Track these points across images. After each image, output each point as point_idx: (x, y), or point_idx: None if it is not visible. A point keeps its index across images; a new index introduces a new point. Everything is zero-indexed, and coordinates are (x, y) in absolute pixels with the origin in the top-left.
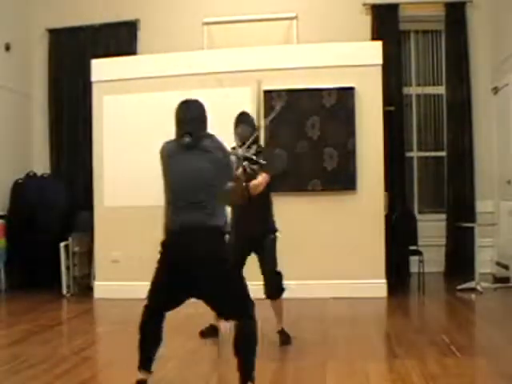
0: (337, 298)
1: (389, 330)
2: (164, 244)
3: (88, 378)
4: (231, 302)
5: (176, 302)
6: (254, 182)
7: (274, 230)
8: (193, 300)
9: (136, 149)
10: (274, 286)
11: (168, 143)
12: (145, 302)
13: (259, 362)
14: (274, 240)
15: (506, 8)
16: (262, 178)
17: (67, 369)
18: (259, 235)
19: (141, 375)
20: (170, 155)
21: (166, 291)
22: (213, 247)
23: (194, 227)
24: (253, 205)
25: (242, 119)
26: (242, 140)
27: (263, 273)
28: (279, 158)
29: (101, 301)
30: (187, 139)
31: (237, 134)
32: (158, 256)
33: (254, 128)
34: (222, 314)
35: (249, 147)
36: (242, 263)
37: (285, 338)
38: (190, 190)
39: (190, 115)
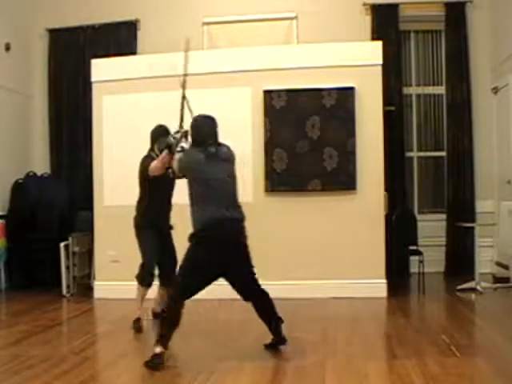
0: (337, 297)
1: (389, 330)
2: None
3: (88, 377)
4: None
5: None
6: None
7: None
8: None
9: (136, 148)
10: None
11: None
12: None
13: (259, 362)
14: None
15: (506, 8)
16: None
17: (67, 369)
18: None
19: None
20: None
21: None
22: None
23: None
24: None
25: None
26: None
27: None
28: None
29: (101, 301)
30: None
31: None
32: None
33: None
34: None
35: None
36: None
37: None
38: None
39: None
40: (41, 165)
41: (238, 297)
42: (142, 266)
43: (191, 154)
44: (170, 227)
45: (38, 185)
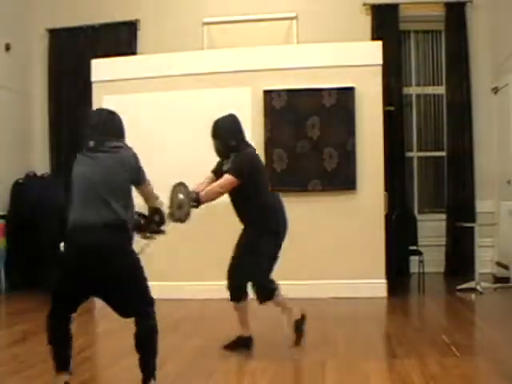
0: (337, 297)
1: (389, 330)
2: None
3: (88, 377)
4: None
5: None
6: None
7: None
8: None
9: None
10: None
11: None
12: None
13: (259, 362)
14: None
15: (506, 8)
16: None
17: None
18: None
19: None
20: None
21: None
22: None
23: None
24: None
25: (213, 132)
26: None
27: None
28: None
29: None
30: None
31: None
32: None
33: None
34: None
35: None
36: None
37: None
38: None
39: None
40: (41, 165)
41: None
42: None
43: None
44: None
45: (37, 185)
